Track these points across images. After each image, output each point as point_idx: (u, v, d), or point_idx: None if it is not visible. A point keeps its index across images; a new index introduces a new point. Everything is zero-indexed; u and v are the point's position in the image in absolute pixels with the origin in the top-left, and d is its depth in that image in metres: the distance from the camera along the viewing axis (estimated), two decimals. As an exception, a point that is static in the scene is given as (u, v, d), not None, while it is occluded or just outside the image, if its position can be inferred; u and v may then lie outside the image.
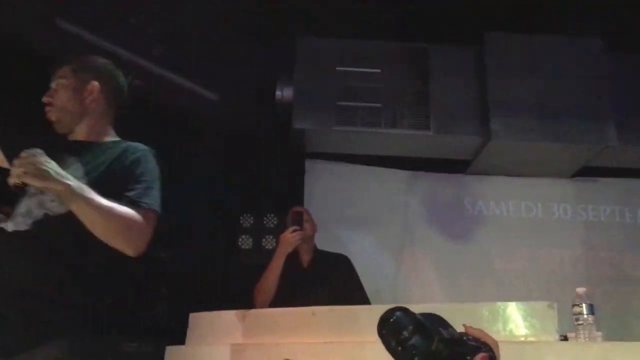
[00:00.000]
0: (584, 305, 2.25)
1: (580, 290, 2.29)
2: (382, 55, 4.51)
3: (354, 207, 4.71)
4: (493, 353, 1.00)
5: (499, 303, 2.31)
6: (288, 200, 4.18)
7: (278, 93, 4.38)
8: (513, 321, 2.25)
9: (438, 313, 1.07)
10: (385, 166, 4.83)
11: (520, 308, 2.25)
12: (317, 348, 2.25)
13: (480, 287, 4.51)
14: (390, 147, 4.66)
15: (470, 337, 1.02)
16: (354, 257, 3.51)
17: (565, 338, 2.29)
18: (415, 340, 1.00)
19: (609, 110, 4.28)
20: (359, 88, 4.39)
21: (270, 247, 4.33)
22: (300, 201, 4.50)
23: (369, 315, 2.06)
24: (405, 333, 1.01)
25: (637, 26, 4.19)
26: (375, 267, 4.52)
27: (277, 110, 4.44)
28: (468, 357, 0.97)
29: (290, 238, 3.15)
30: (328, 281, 3.24)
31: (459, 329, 1.10)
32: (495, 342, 1.02)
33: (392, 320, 1.04)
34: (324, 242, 4.50)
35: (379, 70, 4.45)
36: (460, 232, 4.71)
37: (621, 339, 2.65)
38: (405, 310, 1.06)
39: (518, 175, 4.81)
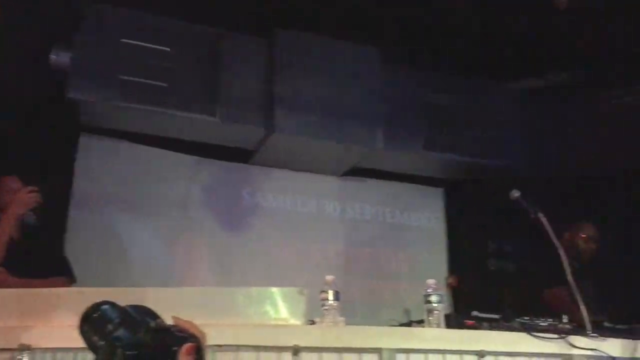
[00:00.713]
0: (330, 291, 2.39)
1: (329, 277, 2.44)
2: (174, 34, 4.38)
3: (131, 189, 4.51)
4: (200, 344, 1.01)
5: (254, 288, 2.38)
6: (55, 175, 3.86)
7: (53, 56, 4.00)
8: (266, 305, 2.33)
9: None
10: (169, 149, 4.70)
11: (273, 293, 2.33)
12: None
13: (253, 275, 4.61)
14: (175, 130, 4.55)
15: (179, 328, 1.02)
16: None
17: (313, 322, 2.43)
18: (120, 332, 0.98)
19: (379, 116, 4.65)
20: (146, 64, 4.22)
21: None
22: (69, 177, 4.19)
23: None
24: (110, 326, 0.98)
25: (411, 42, 4.63)
26: (149, 252, 4.39)
27: (52, 75, 4.07)
28: (175, 347, 0.97)
29: (26, 198, 2.88)
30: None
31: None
32: (203, 334, 1.04)
33: (95, 315, 1.01)
34: (90, 225, 4.28)
35: (168, 49, 4.31)
36: (237, 221, 4.77)
37: (370, 324, 2.91)
38: (112, 304, 1.03)
39: (297, 169, 5.00)
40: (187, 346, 0.98)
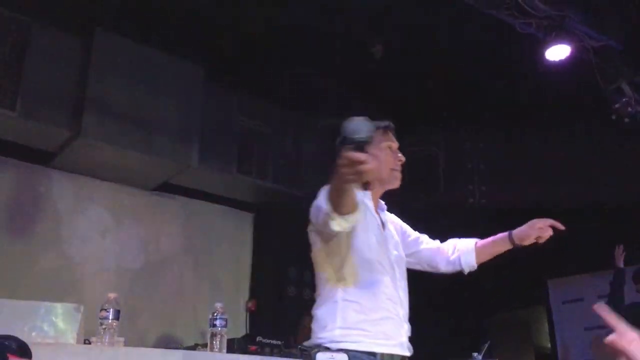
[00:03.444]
0: (111, 310, 2.28)
1: (111, 295, 2.32)
2: (-24, 14, 3.96)
3: None
4: None
5: (24, 302, 2.18)
6: None
7: None
8: (37, 321, 2.15)
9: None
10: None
11: (46, 308, 2.16)
12: None
13: (33, 286, 4.24)
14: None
15: None
16: None
17: (89, 341, 2.30)
18: None
19: (196, 134, 4.60)
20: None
21: None
22: None
23: None
24: None
25: (234, 63, 4.68)
26: None
27: None
28: None
29: None
30: None
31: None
32: None
33: None
34: None
35: (-34, 30, 3.89)
36: (25, 227, 4.38)
37: (160, 346, 2.82)
38: None
39: (103, 179, 4.74)
40: None
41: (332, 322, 2.02)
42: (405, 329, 2.13)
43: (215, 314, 2.47)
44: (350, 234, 2.06)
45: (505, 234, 2.31)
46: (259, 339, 2.63)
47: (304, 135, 5.33)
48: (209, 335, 2.46)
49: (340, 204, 1.83)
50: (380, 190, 2.31)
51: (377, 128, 2.19)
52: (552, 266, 5.56)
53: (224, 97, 4.95)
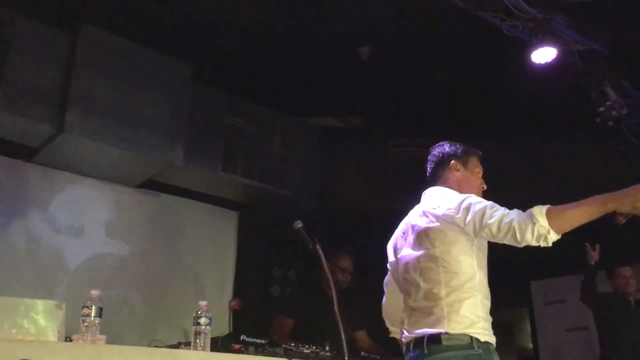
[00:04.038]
0: (93, 307, 2.26)
1: (94, 292, 2.30)
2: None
3: None
4: None
5: (3, 298, 2.15)
6: None
7: None
8: (16, 317, 2.12)
9: None
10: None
11: (26, 305, 2.13)
12: None
13: (17, 282, 4.20)
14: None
15: None
16: None
17: (70, 339, 2.27)
18: None
19: (181, 132, 4.57)
20: None
21: None
22: None
23: None
24: None
25: (222, 62, 4.66)
26: None
27: None
28: None
29: None
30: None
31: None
32: None
33: None
34: None
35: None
36: (6, 221, 4.33)
37: (142, 344, 2.80)
38: None
39: (86, 175, 4.70)
40: None
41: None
42: None
43: (199, 312, 2.45)
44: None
45: None
46: (243, 337, 2.60)
47: (291, 135, 5.32)
48: (192, 334, 2.44)
49: (574, 225, 2.12)
50: None
51: (474, 154, 2.57)
52: (535, 268, 5.60)
53: (211, 95, 4.92)
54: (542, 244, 2.11)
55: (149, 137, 4.39)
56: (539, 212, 2.10)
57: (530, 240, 2.10)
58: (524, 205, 2.18)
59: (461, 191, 2.44)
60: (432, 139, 2.71)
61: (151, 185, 4.98)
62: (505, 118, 4.84)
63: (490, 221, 2.16)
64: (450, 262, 2.28)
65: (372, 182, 5.27)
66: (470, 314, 2.23)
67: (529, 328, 6.90)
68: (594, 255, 4.60)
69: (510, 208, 2.20)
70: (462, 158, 2.56)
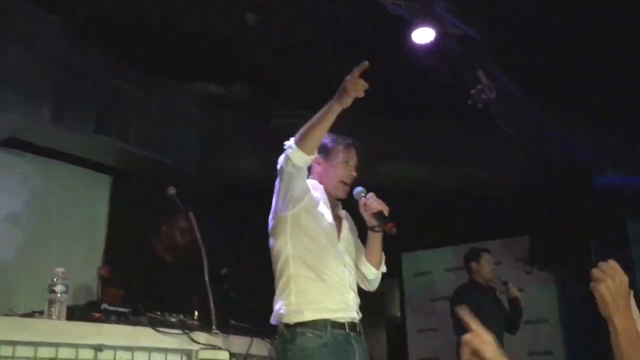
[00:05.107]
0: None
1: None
2: None
3: None
4: None
5: None
6: None
7: None
8: None
9: None
10: None
11: None
12: None
13: None
14: None
15: None
16: None
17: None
18: None
19: (50, 88, 4.26)
20: None
21: None
22: None
23: None
24: None
25: (101, 22, 4.37)
26: None
27: None
28: None
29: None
30: None
31: None
32: None
33: None
34: None
35: None
36: None
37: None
38: None
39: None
40: None
41: None
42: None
43: (55, 279, 2.33)
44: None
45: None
46: (104, 306, 2.49)
47: (172, 99, 5.12)
48: (47, 302, 2.31)
49: (316, 135, 2.35)
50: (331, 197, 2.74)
51: (339, 144, 2.74)
52: (406, 240, 5.86)
53: (87, 53, 4.60)
54: (290, 163, 2.43)
55: (10, 91, 4.04)
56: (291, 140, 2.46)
57: (282, 162, 2.48)
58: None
59: (321, 183, 2.73)
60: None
61: (14, 143, 4.60)
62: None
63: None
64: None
65: (256, 154, 5.21)
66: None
67: (398, 297, 7.29)
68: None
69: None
70: (324, 152, 2.72)
